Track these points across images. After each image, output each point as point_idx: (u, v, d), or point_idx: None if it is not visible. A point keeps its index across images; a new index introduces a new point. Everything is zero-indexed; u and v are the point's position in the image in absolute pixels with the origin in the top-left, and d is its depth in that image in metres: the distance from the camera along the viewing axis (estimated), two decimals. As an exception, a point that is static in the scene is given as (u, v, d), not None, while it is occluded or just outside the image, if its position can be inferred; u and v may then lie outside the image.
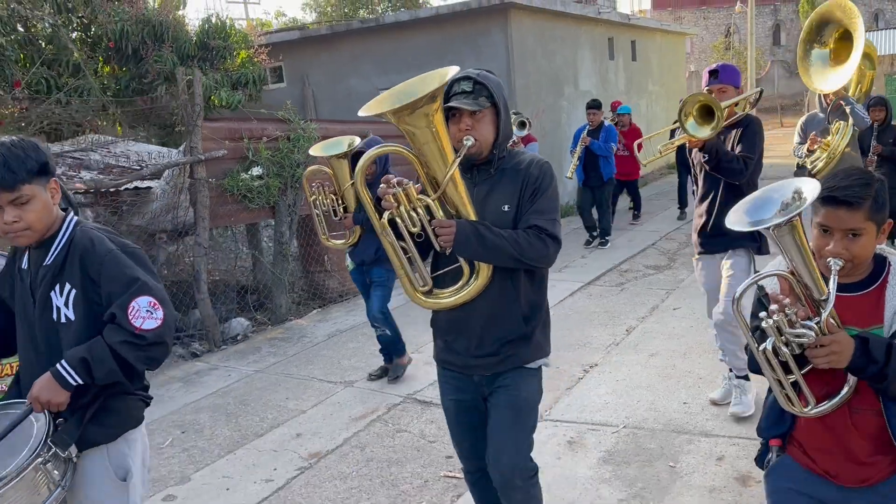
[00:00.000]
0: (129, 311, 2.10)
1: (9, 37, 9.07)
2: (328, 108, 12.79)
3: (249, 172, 6.69)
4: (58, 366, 2.09)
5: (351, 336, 6.28)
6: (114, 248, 2.18)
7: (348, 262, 5.08)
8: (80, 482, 2.18)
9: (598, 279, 7.65)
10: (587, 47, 14.02)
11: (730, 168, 3.78)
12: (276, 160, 6.81)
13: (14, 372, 2.38)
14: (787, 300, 1.72)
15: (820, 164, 5.28)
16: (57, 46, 9.40)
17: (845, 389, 1.82)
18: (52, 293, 2.17)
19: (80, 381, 2.09)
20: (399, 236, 2.26)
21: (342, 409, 4.70)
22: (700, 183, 4.08)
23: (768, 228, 1.68)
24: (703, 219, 4.04)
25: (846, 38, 4.92)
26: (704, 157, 3.81)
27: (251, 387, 5.26)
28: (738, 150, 3.88)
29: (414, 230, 2.24)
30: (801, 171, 5.69)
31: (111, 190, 6.26)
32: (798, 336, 1.70)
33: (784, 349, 1.73)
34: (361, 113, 2.18)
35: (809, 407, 1.83)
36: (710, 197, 3.99)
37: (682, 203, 10.76)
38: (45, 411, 2.10)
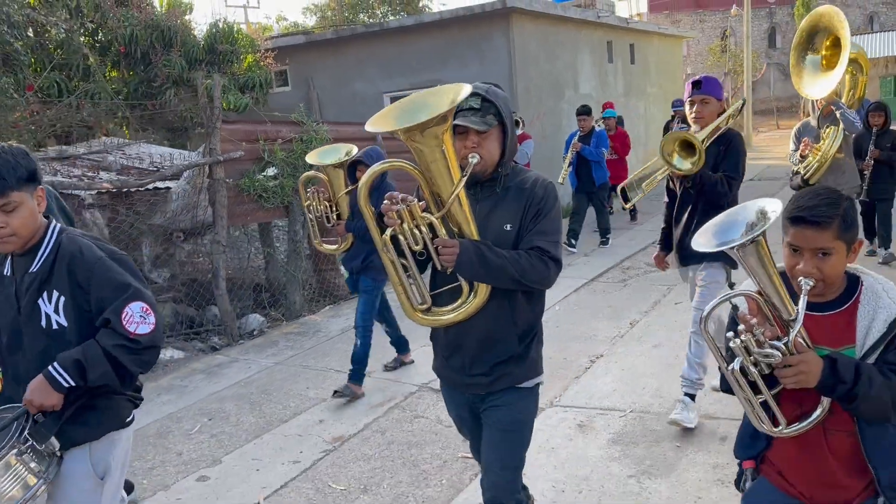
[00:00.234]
0: (123, 316, 2.14)
1: (22, 41, 9.27)
2: (333, 112, 13.01)
3: (265, 173, 6.92)
4: (50, 368, 2.13)
5: (364, 330, 6.49)
6: (102, 256, 2.21)
7: (342, 270, 5.00)
8: (61, 477, 2.23)
9: (601, 276, 7.89)
10: (587, 51, 14.28)
11: (714, 191, 3.81)
12: (290, 161, 7.04)
13: None
14: (755, 320, 1.73)
15: (812, 169, 5.48)
16: (67, 51, 9.59)
17: (818, 410, 1.83)
18: (41, 300, 2.19)
19: (73, 383, 2.12)
20: (400, 253, 2.23)
21: (361, 397, 4.92)
22: (679, 195, 4.05)
23: (733, 249, 1.70)
24: (681, 231, 4.02)
25: (838, 44, 5.14)
26: (689, 182, 3.84)
27: (272, 377, 5.48)
28: (722, 167, 3.87)
29: (416, 248, 2.21)
30: (796, 176, 5.87)
31: (130, 190, 6.49)
32: (766, 356, 1.71)
33: (752, 369, 1.75)
34: (369, 128, 2.16)
35: (781, 427, 1.84)
36: (689, 210, 3.99)
37: None
38: (24, 407, 2.13)
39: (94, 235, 2.37)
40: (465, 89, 2.15)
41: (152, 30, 9.73)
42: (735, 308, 1.87)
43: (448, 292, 2.36)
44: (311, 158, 4.56)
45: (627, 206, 4.56)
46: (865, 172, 6.85)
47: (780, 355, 1.70)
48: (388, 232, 2.20)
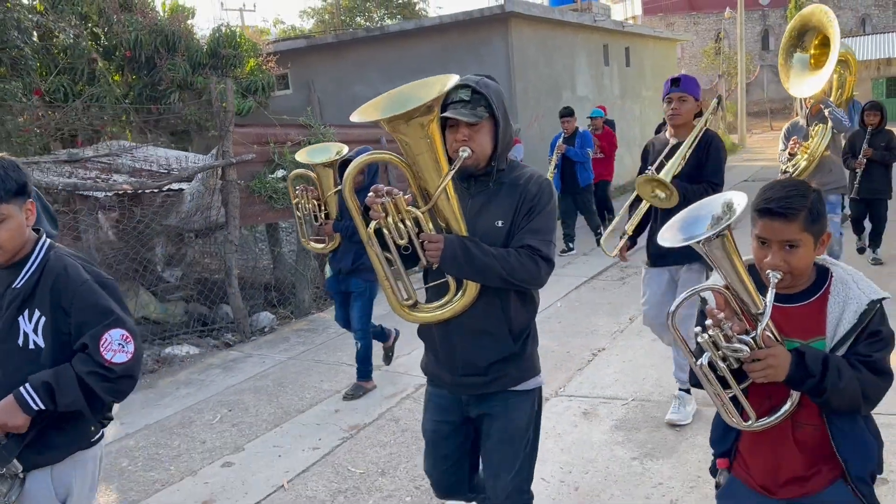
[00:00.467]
0: (102, 342, 2.08)
1: (29, 46, 9.45)
2: (333, 115, 13.20)
3: (274, 175, 7.12)
4: (22, 389, 2.06)
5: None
6: (88, 279, 2.15)
7: (327, 269, 5.02)
8: (24, 498, 2.16)
9: (600, 274, 8.12)
10: (583, 54, 14.52)
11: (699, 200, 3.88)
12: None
13: None
14: (723, 315, 1.72)
15: (801, 167, 5.64)
16: (73, 55, 9.76)
17: (787, 404, 1.82)
18: (21, 318, 2.12)
19: (42, 407, 2.06)
20: (385, 247, 2.19)
21: (374, 389, 5.12)
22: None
23: (698, 243, 1.69)
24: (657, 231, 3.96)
25: (826, 44, 5.31)
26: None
27: (286, 371, 5.69)
28: (704, 172, 3.88)
29: (401, 242, 2.16)
30: (784, 175, 6.01)
31: (138, 192, 6.68)
32: (734, 351, 1.71)
33: (721, 364, 1.74)
34: (354, 118, 2.09)
35: (750, 421, 1.83)
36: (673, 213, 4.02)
37: None
38: None
39: (83, 256, 2.31)
40: (453, 79, 2.11)
41: (156, 34, 9.88)
42: (703, 302, 1.88)
43: (437, 288, 2.31)
44: (300, 157, 4.56)
45: (612, 254, 4.46)
46: (857, 171, 7.05)
47: (749, 350, 1.70)
48: (373, 225, 2.16)
